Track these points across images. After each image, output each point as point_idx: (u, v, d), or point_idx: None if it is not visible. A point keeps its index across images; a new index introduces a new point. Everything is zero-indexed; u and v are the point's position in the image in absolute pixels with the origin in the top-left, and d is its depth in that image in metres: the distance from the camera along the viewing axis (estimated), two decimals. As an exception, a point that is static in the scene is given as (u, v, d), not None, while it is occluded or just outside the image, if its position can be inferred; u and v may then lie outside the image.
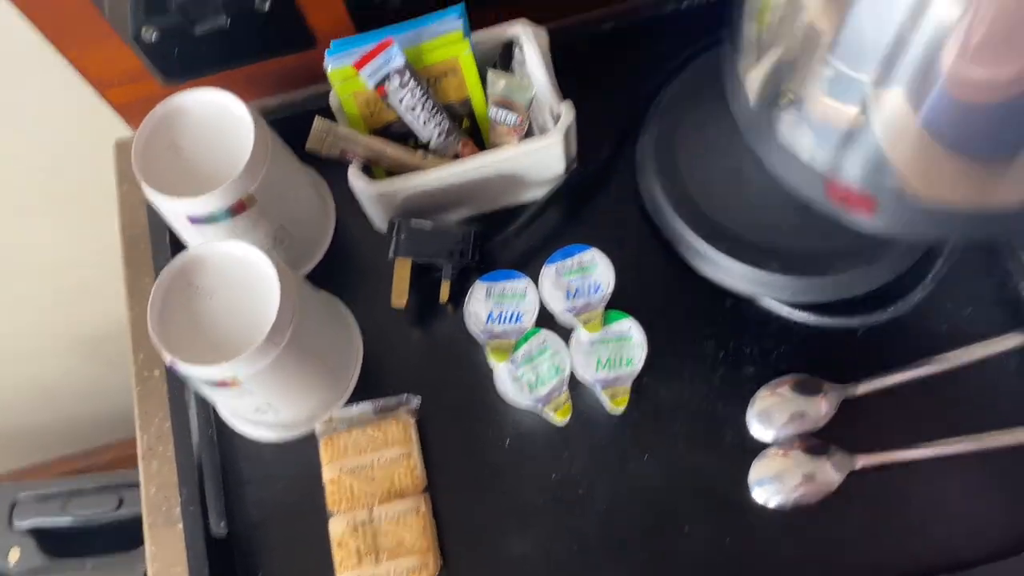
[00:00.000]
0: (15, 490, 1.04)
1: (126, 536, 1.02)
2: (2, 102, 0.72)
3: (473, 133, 0.65)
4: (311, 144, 0.59)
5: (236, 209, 0.57)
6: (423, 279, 0.63)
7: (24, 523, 1.02)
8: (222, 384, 0.53)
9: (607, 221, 0.66)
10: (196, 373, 0.52)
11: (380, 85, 0.58)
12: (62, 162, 0.81)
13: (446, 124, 0.61)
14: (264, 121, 0.58)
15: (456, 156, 0.64)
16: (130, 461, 1.53)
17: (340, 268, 0.67)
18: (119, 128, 0.73)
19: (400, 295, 0.63)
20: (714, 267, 0.61)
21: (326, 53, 0.60)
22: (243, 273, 0.54)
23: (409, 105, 0.60)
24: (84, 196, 0.87)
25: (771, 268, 0.59)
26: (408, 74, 0.58)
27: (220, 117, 0.58)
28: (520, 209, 0.66)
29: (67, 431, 1.41)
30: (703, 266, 0.62)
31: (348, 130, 0.59)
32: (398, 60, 0.57)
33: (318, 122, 0.58)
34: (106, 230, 0.92)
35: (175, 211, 0.56)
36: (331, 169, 0.65)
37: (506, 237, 0.64)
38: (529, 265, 0.62)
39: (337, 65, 0.59)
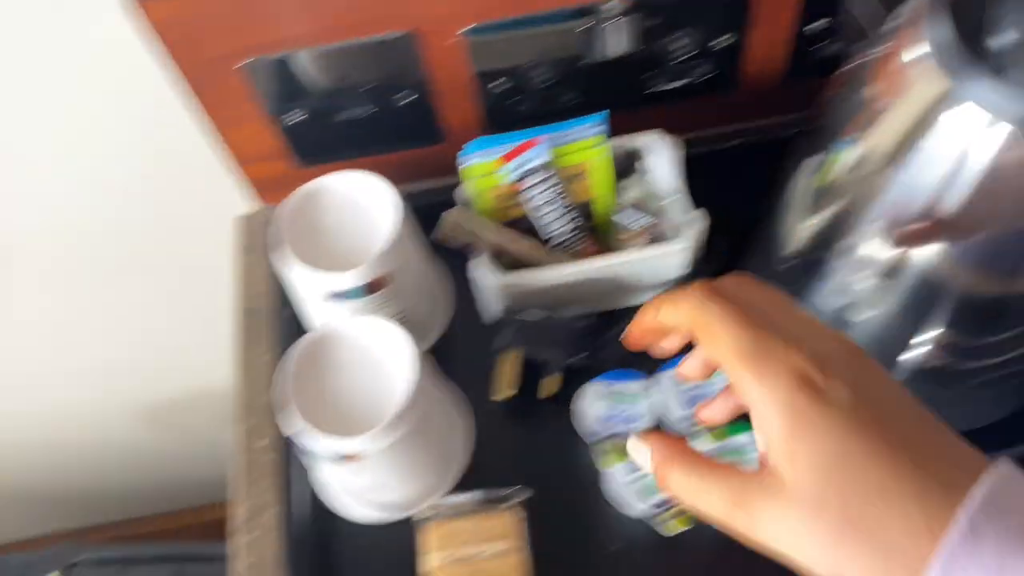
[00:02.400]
0: (74, 552, 1.04)
1: (180, 609, 1.00)
2: (133, 166, 0.75)
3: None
4: (443, 232, 0.61)
5: (373, 287, 0.58)
6: (534, 370, 0.64)
7: (80, 586, 1.01)
8: (347, 459, 0.53)
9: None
10: (324, 445, 0.52)
11: (519, 180, 0.60)
12: (169, 232, 0.84)
13: (577, 222, 0.63)
14: (405, 207, 0.60)
15: (576, 255, 0.65)
16: (186, 532, 1.51)
17: (451, 354, 0.68)
18: (234, 204, 0.77)
19: (503, 389, 0.63)
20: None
21: (464, 149, 0.62)
22: (377, 349, 0.55)
23: (542, 201, 0.62)
24: (179, 267, 0.89)
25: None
26: (550, 172, 0.60)
27: (361, 198, 0.61)
28: (632, 311, 0.67)
29: (124, 496, 1.40)
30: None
31: (483, 221, 0.61)
32: (543, 157, 0.59)
33: (455, 212, 0.60)
34: (192, 302, 0.95)
35: (316, 285, 0.58)
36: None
37: (619, 334, 0.64)
38: (642, 366, 0.63)
39: (477, 161, 0.61)
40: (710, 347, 0.34)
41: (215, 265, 0.88)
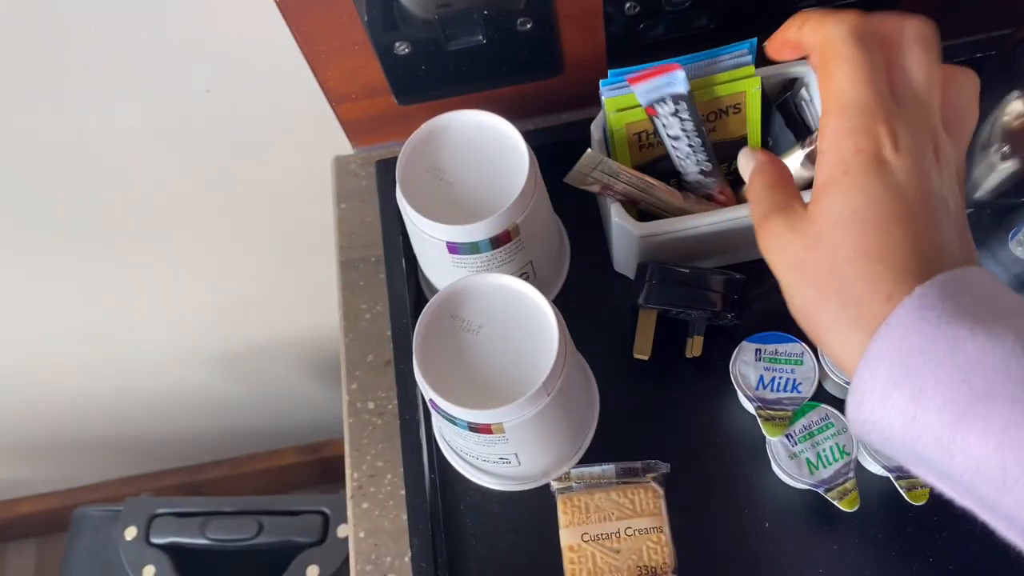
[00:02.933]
0: (154, 505, 1.01)
1: (265, 563, 0.98)
2: (220, 103, 0.69)
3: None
4: (575, 175, 0.54)
5: (501, 240, 0.52)
6: (666, 328, 0.58)
7: (161, 540, 0.99)
8: (483, 430, 0.48)
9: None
10: (459, 416, 0.47)
11: (651, 106, 0.53)
12: (263, 174, 0.78)
13: (710, 165, 0.56)
14: (533, 153, 0.54)
15: (708, 199, 0.58)
16: (242, 480, 1.52)
17: (572, 310, 0.62)
18: (334, 144, 0.70)
19: (645, 347, 0.58)
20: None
21: (601, 82, 0.55)
22: (513, 310, 0.49)
23: (676, 134, 0.54)
24: (268, 211, 0.84)
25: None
26: (685, 103, 0.52)
27: (485, 141, 0.54)
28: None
29: (182, 443, 1.40)
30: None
31: (618, 165, 0.54)
32: (680, 86, 0.52)
33: (590, 155, 0.53)
34: (284, 241, 0.90)
35: (437, 237, 0.52)
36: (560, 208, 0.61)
37: (768, 293, 0.58)
38: (795, 328, 0.56)
39: (615, 94, 0.54)
40: (822, 79, 0.36)
41: (303, 210, 0.83)
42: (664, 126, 0.54)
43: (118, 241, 0.84)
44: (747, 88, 0.54)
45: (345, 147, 0.71)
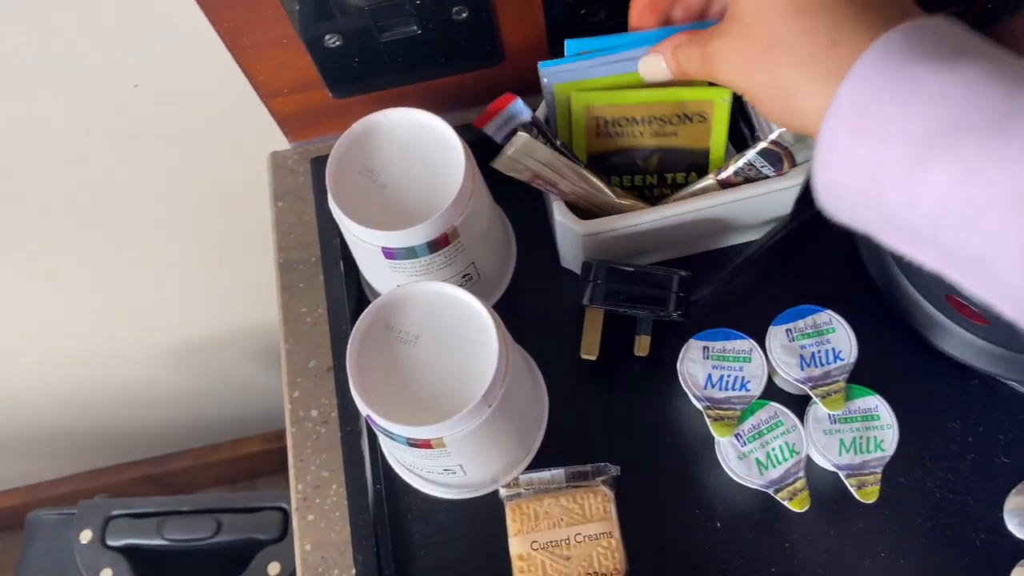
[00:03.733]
0: (109, 507, 0.99)
1: (225, 561, 0.96)
2: (151, 98, 0.66)
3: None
4: (504, 161, 0.52)
5: (439, 243, 0.50)
6: (614, 327, 0.56)
7: (117, 542, 0.97)
8: (423, 445, 0.46)
9: (826, 277, 0.58)
10: (397, 432, 0.45)
11: (506, 141, 0.51)
12: (200, 169, 0.75)
13: (588, 185, 0.53)
14: (471, 151, 0.52)
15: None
16: (207, 470, 1.50)
17: (519, 309, 0.60)
18: (273, 138, 0.68)
19: (591, 347, 0.56)
20: (955, 342, 0.53)
21: (540, 64, 0.52)
22: (451, 318, 0.48)
23: (545, 159, 0.52)
24: (209, 206, 0.81)
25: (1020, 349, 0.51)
26: (535, 131, 0.50)
27: (420, 141, 0.52)
28: (722, 254, 0.59)
29: (145, 435, 1.37)
30: (941, 340, 0.54)
31: (552, 156, 0.52)
32: (525, 115, 0.49)
33: (522, 139, 0.51)
34: (222, 237, 0.87)
35: (371, 243, 0.50)
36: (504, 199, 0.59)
37: (715, 291, 0.57)
38: (742, 323, 0.55)
39: (564, 78, 0.52)
40: None
41: (243, 206, 0.80)
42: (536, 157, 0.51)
43: (64, 235, 0.81)
44: (715, 97, 0.51)
45: (283, 141, 0.68)
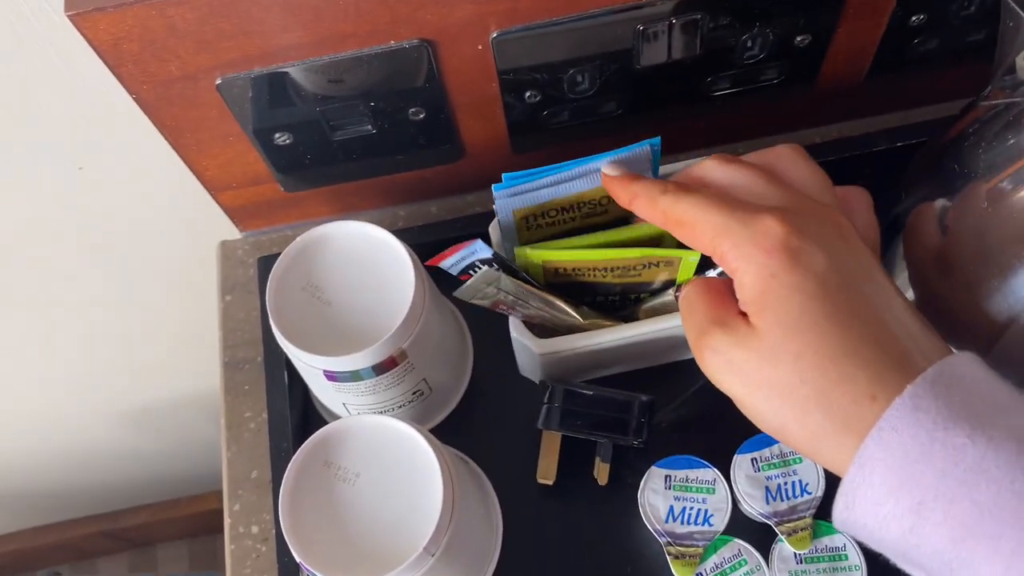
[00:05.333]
0: None
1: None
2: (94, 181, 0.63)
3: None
4: (467, 291, 0.49)
5: (385, 366, 0.48)
6: (573, 449, 0.53)
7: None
8: (362, 596, 0.43)
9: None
10: (335, 583, 0.42)
11: (464, 274, 0.48)
12: (147, 253, 0.72)
13: (553, 309, 0.51)
14: (421, 264, 0.49)
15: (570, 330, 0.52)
16: (164, 526, 1.46)
17: (474, 420, 0.58)
18: (222, 226, 0.65)
19: (548, 471, 0.53)
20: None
21: (493, 188, 0.49)
22: (394, 453, 0.45)
23: (509, 288, 0.49)
24: (163, 282, 0.78)
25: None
26: (496, 267, 0.47)
27: (367, 255, 0.49)
28: (688, 365, 0.57)
29: (100, 492, 1.34)
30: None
31: (519, 287, 0.49)
32: (485, 252, 0.46)
33: (484, 276, 0.48)
34: (177, 315, 0.84)
35: (313, 366, 0.47)
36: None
37: (677, 412, 0.54)
38: (707, 448, 0.52)
39: (520, 203, 0.48)
40: (691, 237, 0.35)
41: (190, 298, 0.77)
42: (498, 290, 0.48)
43: (8, 307, 0.78)
44: (685, 256, 0.46)
45: (233, 230, 0.65)
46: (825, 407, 0.31)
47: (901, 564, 0.31)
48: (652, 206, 0.37)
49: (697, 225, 0.35)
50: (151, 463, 1.27)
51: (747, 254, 0.33)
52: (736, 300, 0.35)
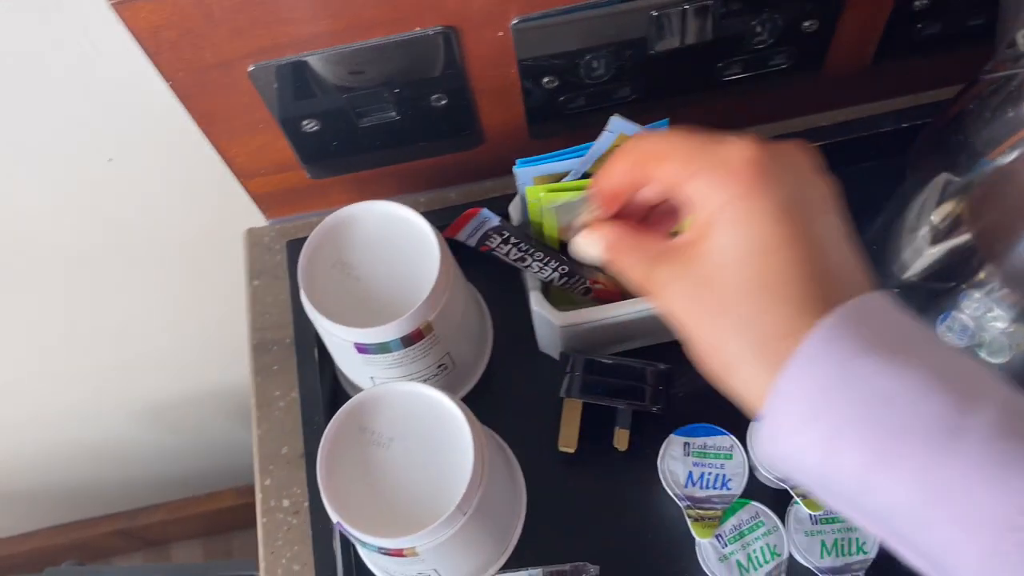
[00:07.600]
0: (75, 574, 0.96)
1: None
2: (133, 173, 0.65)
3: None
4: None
5: (412, 338, 0.49)
6: (593, 418, 0.56)
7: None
8: (395, 553, 0.45)
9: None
10: (369, 541, 0.44)
11: (483, 245, 0.50)
12: (175, 242, 0.74)
13: (567, 267, 0.53)
14: (446, 243, 0.51)
15: (587, 292, 0.55)
16: (180, 524, 1.48)
17: (496, 396, 0.59)
18: (250, 213, 0.67)
19: (570, 440, 0.55)
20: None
21: (515, 168, 0.52)
22: (426, 419, 0.47)
23: (518, 257, 0.51)
24: (188, 272, 0.80)
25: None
26: (507, 231, 0.49)
27: (394, 234, 0.51)
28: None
29: (117, 490, 1.35)
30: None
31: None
32: (493, 220, 0.48)
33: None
34: (196, 302, 0.86)
35: (343, 338, 0.49)
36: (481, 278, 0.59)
37: (693, 381, 0.56)
38: (724, 415, 0.54)
39: (534, 180, 0.51)
40: (664, 167, 0.35)
41: (217, 281, 0.79)
42: (506, 255, 0.50)
43: (36, 299, 0.80)
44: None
45: (260, 217, 0.67)
46: (744, 336, 0.32)
47: (821, 495, 0.32)
48: (625, 159, 0.36)
49: (671, 154, 0.34)
50: (171, 459, 1.28)
51: (713, 178, 0.33)
52: (654, 231, 0.38)
